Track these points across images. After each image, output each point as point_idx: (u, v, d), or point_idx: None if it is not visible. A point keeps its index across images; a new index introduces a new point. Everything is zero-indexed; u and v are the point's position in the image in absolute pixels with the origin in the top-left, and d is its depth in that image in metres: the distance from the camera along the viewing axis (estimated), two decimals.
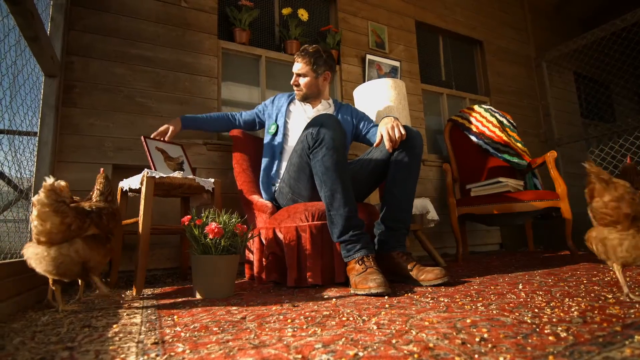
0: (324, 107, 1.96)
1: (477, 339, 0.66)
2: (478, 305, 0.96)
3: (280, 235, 1.53)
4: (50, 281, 1.08)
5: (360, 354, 0.61)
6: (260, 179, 1.86)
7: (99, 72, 2.00)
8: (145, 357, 0.65)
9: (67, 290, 1.51)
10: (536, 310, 0.87)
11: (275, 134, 1.90)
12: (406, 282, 1.43)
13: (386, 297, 1.16)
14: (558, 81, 4.14)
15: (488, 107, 2.94)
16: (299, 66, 1.88)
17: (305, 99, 1.93)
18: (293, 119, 1.92)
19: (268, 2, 2.78)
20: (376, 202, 2.25)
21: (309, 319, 0.89)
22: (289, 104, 1.97)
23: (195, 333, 0.79)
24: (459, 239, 2.41)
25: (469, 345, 0.63)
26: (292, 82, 1.92)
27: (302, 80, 1.89)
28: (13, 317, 1.02)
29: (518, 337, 0.66)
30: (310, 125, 1.48)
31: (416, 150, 1.53)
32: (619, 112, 4.82)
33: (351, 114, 1.97)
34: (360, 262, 1.33)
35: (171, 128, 1.84)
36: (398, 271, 1.45)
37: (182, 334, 0.79)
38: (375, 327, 0.78)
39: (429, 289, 1.29)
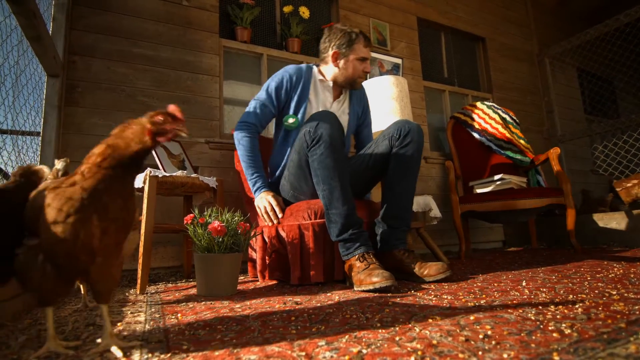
0: (343, 97, 1.80)
1: (481, 336, 0.66)
2: (481, 302, 0.96)
3: (283, 234, 1.53)
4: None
5: (364, 351, 0.61)
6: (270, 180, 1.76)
7: (101, 72, 2.00)
8: (149, 355, 0.65)
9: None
10: (540, 307, 0.87)
11: (294, 128, 1.67)
12: (409, 280, 1.43)
13: (389, 294, 1.16)
14: (561, 77, 4.12)
15: (491, 103, 2.93)
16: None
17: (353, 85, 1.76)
18: (311, 111, 1.69)
19: (269, 0, 2.77)
20: (378, 200, 2.25)
21: (313, 316, 0.89)
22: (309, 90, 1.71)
23: (199, 331, 0.80)
24: (462, 236, 2.41)
25: (472, 342, 0.63)
26: (364, 69, 1.71)
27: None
28: (19, 316, 1.03)
29: (522, 334, 0.66)
30: (307, 122, 1.45)
31: (415, 145, 1.51)
32: (622, 108, 4.79)
33: (362, 103, 1.87)
34: (361, 259, 1.33)
35: (277, 204, 1.58)
36: (400, 268, 1.44)
37: (186, 332, 0.79)
38: (378, 324, 0.78)
39: (432, 286, 1.29)
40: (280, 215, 1.56)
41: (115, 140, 0.67)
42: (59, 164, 0.92)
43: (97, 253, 0.66)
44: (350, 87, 1.76)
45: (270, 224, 1.58)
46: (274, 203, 1.58)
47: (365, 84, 2.32)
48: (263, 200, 1.59)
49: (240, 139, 1.65)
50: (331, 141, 1.37)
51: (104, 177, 0.63)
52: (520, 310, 0.84)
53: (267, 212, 1.58)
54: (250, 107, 1.69)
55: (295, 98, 1.69)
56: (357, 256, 1.35)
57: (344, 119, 1.78)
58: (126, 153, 0.66)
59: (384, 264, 1.38)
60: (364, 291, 1.24)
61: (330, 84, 1.74)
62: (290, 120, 1.66)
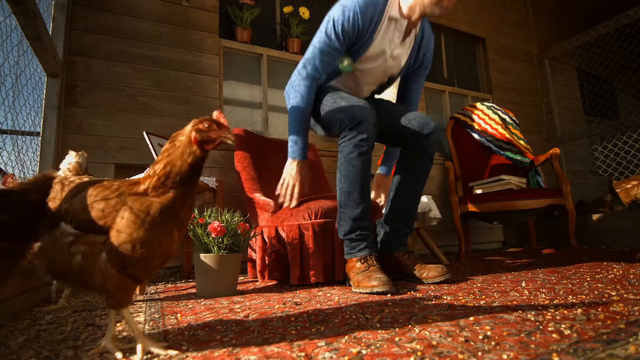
0: (410, 39, 1.54)
1: (480, 337, 0.66)
2: (481, 302, 0.96)
3: (283, 234, 1.53)
4: None
5: (364, 351, 0.61)
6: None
7: (101, 72, 2.00)
8: (149, 355, 0.65)
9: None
10: (539, 307, 0.87)
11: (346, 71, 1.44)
12: (408, 281, 1.43)
13: (389, 295, 1.16)
14: (561, 78, 4.12)
15: (490, 104, 2.93)
16: None
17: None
18: (371, 53, 1.44)
19: (269, 0, 2.77)
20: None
21: (312, 317, 0.89)
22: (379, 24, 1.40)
23: (199, 331, 0.80)
24: (462, 237, 2.41)
25: (472, 343, 0.63)
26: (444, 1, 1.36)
27: None
28: (18, 316, 1.03)
29: (521, 335, 0.66)
30: (346, 110, 1.33)
31: (432, 147, 1.48)
32: (622, 108, 4.79)
33: (426, 49, 1.63)
34: (362, 261, 1.33)
35: (301, 181, 1.43)
36: (401, 270, 1.44)
37: (185, 333, 0.79)
38: (378, 325, 0.78)
39: (432, 287, 1.29)
40: (293, 204, 1.43)
41: (169, 157, 0.69)
42: (79, 157, 0.88)
43: (169, 257, 0.72)
44: (434, 17, 1.45)
45: (282, 199, 1.44)
46: (299, 187, 1.42)
47: None
48: (293, 175, 1.42)
49: (303, 91, 1.39)
50: (366, 143, 1.32)
51: (176, 195, 0.68)
52: (520, 311, 0.84)
53: (288, 187, 1.43)
54: (318, 53, 1.38)
55: (362, 40, 1.40)
56: (359, 257, 1.34)
57: (402, 60, 1.56)
58: (183, 167, 0.69)
59: (383, 264, 1.38)
60: (360, 293, 1.24)
61: (404, 22, 1.44)
62: (345, 63, 1.42)
